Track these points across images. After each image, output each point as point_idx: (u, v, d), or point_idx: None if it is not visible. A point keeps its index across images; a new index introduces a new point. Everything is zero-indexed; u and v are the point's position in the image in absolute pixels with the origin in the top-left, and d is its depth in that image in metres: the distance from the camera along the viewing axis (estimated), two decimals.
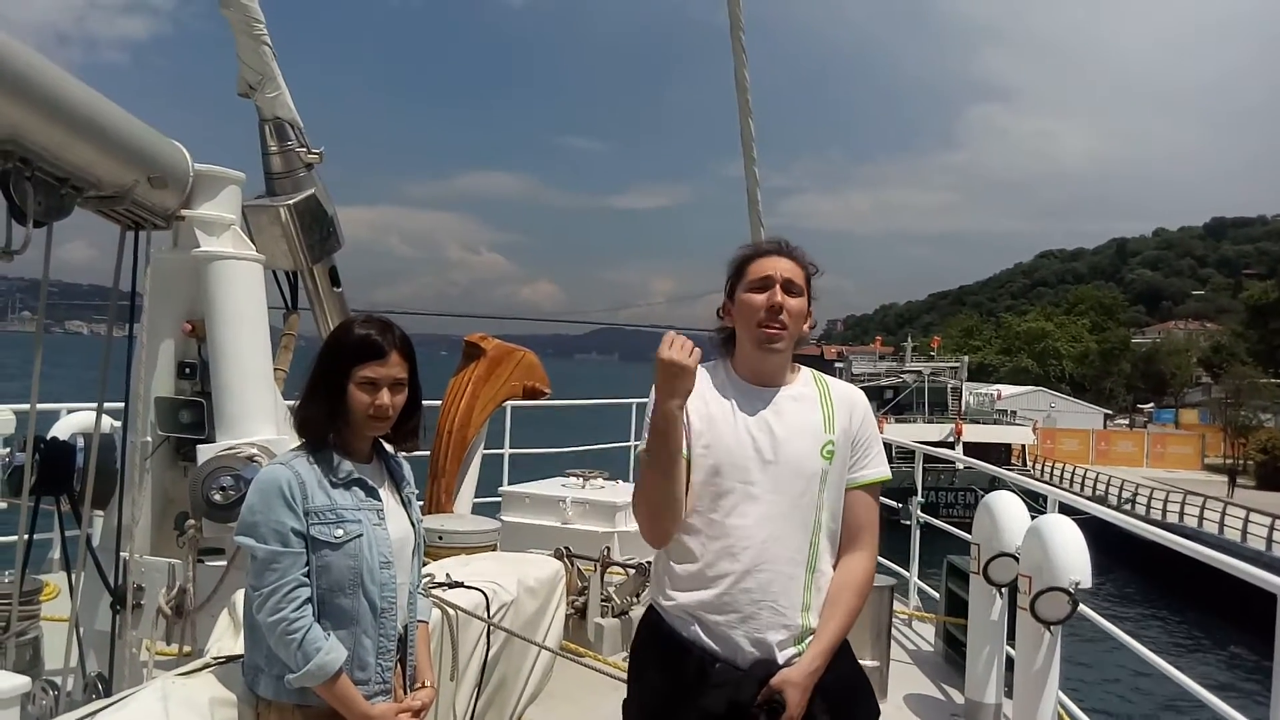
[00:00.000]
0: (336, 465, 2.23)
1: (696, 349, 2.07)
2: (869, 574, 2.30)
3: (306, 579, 2.15)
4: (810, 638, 2.18)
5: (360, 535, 2.20)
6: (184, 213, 3.64)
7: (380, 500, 2.29)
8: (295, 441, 2.31)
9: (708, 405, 2.23)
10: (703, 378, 2.24)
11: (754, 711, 2.09)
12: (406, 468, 2.46)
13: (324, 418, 2.23)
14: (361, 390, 2.21)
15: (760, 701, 2.09)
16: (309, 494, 2.17)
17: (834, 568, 2.25)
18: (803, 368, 2.36)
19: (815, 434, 2.23)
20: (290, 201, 4.21)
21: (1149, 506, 32.32)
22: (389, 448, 2.42)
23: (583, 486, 6.26)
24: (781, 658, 2.15)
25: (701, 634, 2.16)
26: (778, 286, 2.22)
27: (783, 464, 2.19)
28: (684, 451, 2.16)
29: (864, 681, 2.32)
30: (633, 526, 5.84)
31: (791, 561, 2.18)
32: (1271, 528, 25.88)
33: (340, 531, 2.18)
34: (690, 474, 2.19)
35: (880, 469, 2.32)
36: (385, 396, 2.23)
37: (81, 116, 2.89)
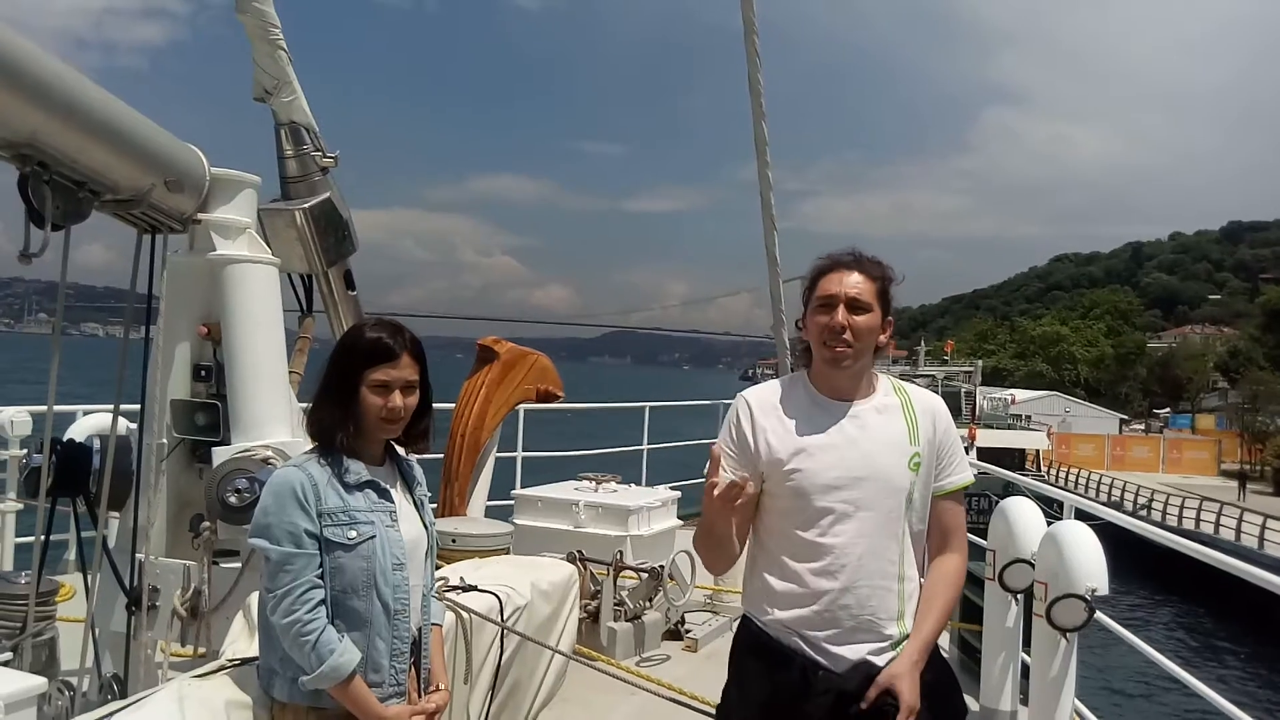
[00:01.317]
0: (349, 467, 2.24)
1: (750, 488, 2.11)
2: (962, 573, 2.35)
3: (320, 581, 2.16)
4: (904, 643, 2.21)
5: (373, 537, 2.21)
6: (200, 216, 3.66)
7: (393, 502, 2.29)
8: (310, 444, 2.32)
9: (789, 427, 2.24)
10: (781, 394, 2.29)
11: (860, 714, 2.12)
12: (419, 470, 2.46)
13: (336, 421, 2.23)
14: (374, 393, 2.22)
15: (870, 705, 2.12)
16: (322, 496, 2.17)
17: (919, 570, 2.28)
18: (882, 376, 2.36)
19: (901, 447, 2.24)
20: (305, 205, 4.23)
21: (1164, 512, 32.08)
22: (401, 450, 2.43)
23: (595, 490, 6.25)
24: (879, 662, 2.18)
25: (803, 645, 2.20)
26: (841, 307, 2.21)
27: (872, 480, 2.20)
28: (758, 486, 2.22)
29: (953, 678, 2.35)
30: (645, 530, 5.89)
31: (885, 574, 2.21)
32: None
33: (353, 533, 2.18)
34: (778, 497, 2.24)
35: (964, 474, 2.34)
36: (397, 399, 2.24)
37: (99, 121, 2.90)
